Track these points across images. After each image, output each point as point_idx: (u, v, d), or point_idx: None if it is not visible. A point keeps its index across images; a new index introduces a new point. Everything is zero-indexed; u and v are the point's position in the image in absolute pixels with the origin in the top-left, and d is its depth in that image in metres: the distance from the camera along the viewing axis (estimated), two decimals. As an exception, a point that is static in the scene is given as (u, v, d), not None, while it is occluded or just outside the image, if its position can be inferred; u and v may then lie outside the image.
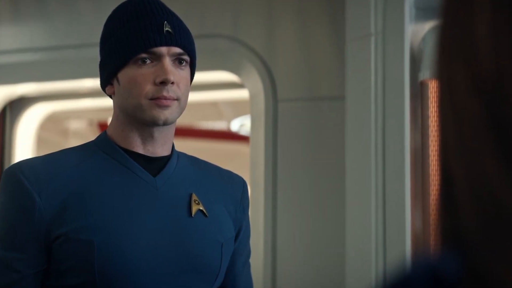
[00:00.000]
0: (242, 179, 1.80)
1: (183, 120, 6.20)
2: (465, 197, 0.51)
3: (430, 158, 2.78)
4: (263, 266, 3.24)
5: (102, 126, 6.75)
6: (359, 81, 2.88)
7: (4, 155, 4.21)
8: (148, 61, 1.60)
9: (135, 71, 1.60)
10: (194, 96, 3.37)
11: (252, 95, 3.47)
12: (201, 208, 1.65)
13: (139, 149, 1.64)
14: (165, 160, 1.66)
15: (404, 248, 2.72)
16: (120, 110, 1.65)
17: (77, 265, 1.53)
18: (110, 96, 1.68)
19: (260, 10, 3.42)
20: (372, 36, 2.85)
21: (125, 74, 1.61)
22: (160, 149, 1.66)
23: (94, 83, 3.86)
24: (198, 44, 1.73)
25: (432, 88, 2.84)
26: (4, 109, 4.21)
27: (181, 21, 1.66)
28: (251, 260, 1.83)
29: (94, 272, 1.52)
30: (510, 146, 0.49)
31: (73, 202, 1.55)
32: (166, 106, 1.58)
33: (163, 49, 1.60)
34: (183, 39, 1.62)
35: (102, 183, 1.59)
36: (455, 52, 0.53)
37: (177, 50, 1.61)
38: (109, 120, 1.76)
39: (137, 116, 1.60)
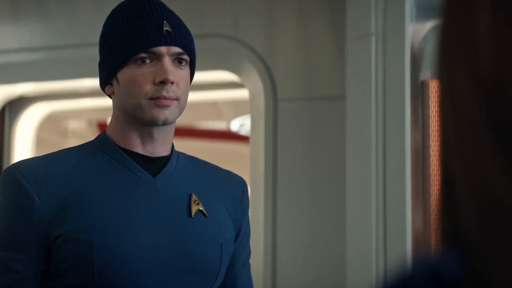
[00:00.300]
0: (242, 179, 1.80)
1: (183, 120, 6.20)
2: (465, 197, 0.51)
3: (430, 158, 2.78)
4: (263, 266, 3.24)
5: (102, 126, 6.76)
6: (360, 81, 2.88)
7: (3, 155, 4.21)
8: (147, 61, 1.59)
9: (134, 71, 1.59)
10: (194, 96, 3.37)
11: (252, 95, 3.47)
12: (200, 208, 1.65)
13: (139, 149, 1.64)
14: (164, 160, 1.66)
15: (404, 248, 2.72)
16: (119, 110, 1.64)
17: (76, 265, 1.53)
18: (110, 96, 1.68)
19: (260, 9, 3.42)
20: (373, 36, 2.85)
21: (125, 74, 1.60)
22: (159, 149, 1.65)
23: (94, 83, 3.85)
24: (198, 44, 1.73)
25: (433, 88, 2.84)
26: (3, 108, 4.21)
27: (180, 21, 1.66)
28: (251, 261, 1.83)
29: (93, 273, 1.52)
30: (510, 146, 0.49)
31: (72, 203, 1.55)
32: (166, 106, 1.58)
33: (163, 49, 1.59)
34: (182, 39, 1.62)
35: (101, 183, 1.59)
36: (455, 51, 0.52)
37: (177, 49, 1.61)
38: (109, 120, 1.75)
39: (137, 116, 1.60)
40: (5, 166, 4.11)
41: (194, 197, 1.65)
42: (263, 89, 3.36)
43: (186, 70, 1.64)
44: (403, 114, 2.77)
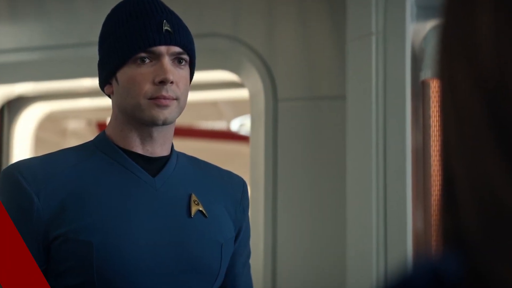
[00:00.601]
0: (242, 179, 1.80)
1: (183, 120, 6.20)
2: (466, 196, 0.51)
3: (431, 158, 2.78)
4: (263, 267, 3.24)
5: (101, 126, 6.75)
6: (360, 80, 2.88)
7: (2, 155, 4.21)
8: (147, 61, 1.59)
9: (134, 71, 1.59)
10: (193, 96, 3.37)
11: (252, 95, 3.47)
12: (200, 208, 1.64)
13: (138, 149, 1.64)
14: (164, 160, 1.66)
15: (405, 249, 2.72)
16: (119, 109, 1.64)
17: (76, 265, 1.53)
18: (109, 96, 1.67)
19: (260, 9, 3.42)
20: (373, 35, 2.84)
21: (124, 74, 1.60)
22: (159, 149, 1.65)
23: (93, 82, 3.84)
24: (198, 43, 1.72)
25: (434, 88, 2.83)
26: (2, 108, 4.21)
27: (180, 20, 1.66)
28: (251, 261, 1.82)
29: (92, 273, 1.52)
30: (511, 145, 0.49)
31: (71, 203, 1.55)
32: (165, 106, 1.58)
33: (162, 49, 1.59)
34: (182, 38, 1.62)
35: (100, 183, 1.59)
36: (456, 51, 0.52)
37: (177, 49, 1.61)
38: (108, 120, 1.75)
39: (136, 115, 1.60)
40: (4, 166, 4.10)
41: (193, 197, 1.65)
42: (263, 89, 3.36)
43: (185, 70, 1.63)
44: (404, 114, 2.77)
